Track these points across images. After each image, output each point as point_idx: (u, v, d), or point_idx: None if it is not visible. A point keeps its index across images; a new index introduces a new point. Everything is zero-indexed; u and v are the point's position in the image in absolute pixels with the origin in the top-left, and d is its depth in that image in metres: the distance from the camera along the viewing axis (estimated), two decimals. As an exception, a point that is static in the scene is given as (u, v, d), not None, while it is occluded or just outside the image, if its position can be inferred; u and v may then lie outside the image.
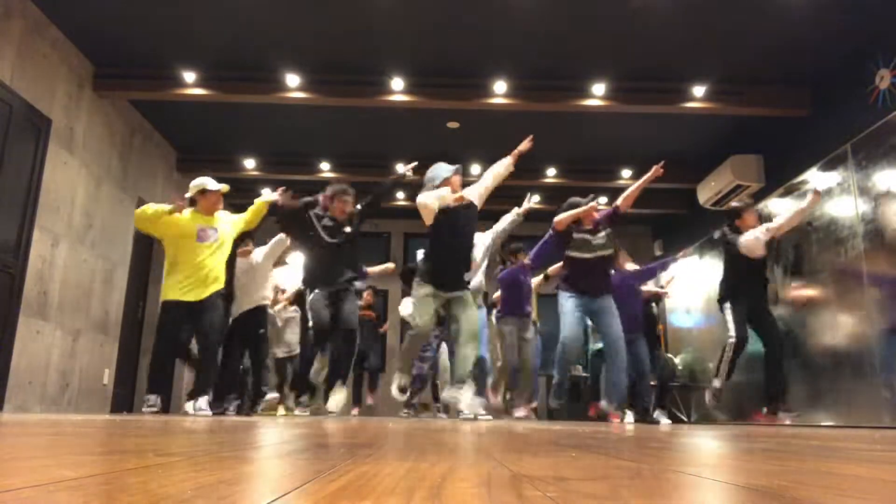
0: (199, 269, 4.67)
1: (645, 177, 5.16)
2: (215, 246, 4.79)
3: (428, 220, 4.44)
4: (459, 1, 4.98)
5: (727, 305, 5.14)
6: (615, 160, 7.89)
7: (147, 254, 7.54)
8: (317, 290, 4.93)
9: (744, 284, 5.09)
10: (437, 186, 4.47)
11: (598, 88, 6.01)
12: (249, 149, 7.80)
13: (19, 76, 4.91)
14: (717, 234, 5.39)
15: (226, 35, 5.47)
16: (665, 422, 6.11)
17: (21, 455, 1.03)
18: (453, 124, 7.04)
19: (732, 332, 5.02)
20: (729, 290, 5.16)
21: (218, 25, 5.33)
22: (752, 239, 4.97)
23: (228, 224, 4.98)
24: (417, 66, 5.92)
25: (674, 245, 9.13)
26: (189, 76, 5.91)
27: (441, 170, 4.58)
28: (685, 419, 7.74)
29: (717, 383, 5.06)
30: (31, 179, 5.09)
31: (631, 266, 6.31)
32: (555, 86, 6.07)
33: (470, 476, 0.80)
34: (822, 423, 5.31)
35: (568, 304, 4.99)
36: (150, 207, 4.66)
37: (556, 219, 5.06)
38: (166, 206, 4.64)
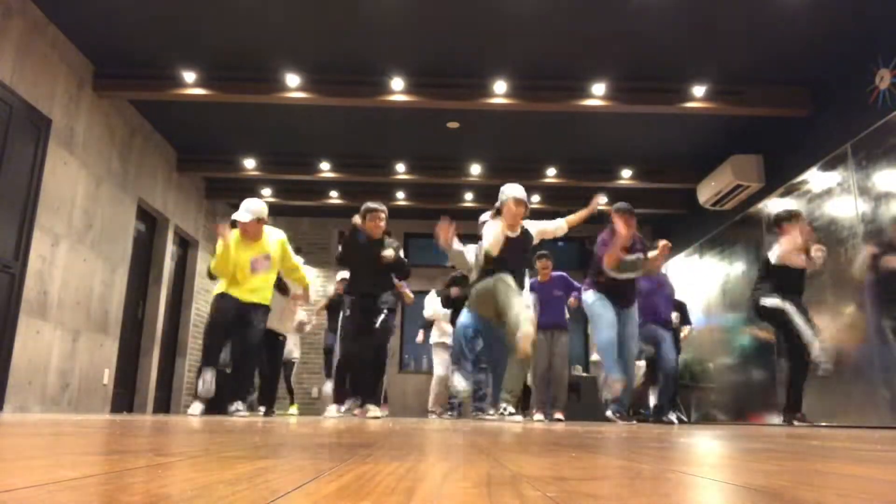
0: (248, 289, 4.91)
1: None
2: (267, 273, 4.99)
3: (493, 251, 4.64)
4: (459, 1, 4.98)
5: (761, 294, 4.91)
6: (615, 160, 7.89)
7: (147, 254, 7.54)
8: (352, 299, 5.29)
9: (786, 286, 4.85)
10: (498, 209, 4.72)
11: (598, 88, 6.01)
12: (249, 149, 7.80)
13: (19, 76, 4.91)
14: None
15: (226, 35, 5.47)
16: (676, 421, 6.13)
17: (21, 455, 1.03)
18: (453, 124, 7.04)
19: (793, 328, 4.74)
20: (763, 286, 4.94)
21: (218, 25, 5.33)
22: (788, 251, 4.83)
23: (276, 245, 5.08)
24: (417, 66, 5.92)
25: (674, 245, 9.13)
26: (189, 76, 5.91)
27: (503, 193, 4.75)
28: (685, 419, 7.74)
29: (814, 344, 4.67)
30: (31, 179, 5.09)
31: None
32: (555, 86, 6.07)
33: (470, 476, 0.80)
34: (823, 423, 5.31)
35: (598, 306, 5.07)
36: (214, 258, 4.95)
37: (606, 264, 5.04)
38: (220, 246, 4.85)
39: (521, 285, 4.75)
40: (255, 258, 4.91)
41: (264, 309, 5.01)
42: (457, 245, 4.78)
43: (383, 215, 5.32)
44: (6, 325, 4.84)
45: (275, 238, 5.10)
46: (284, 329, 6.11)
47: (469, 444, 1.56)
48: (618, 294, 5.10)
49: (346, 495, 0.62)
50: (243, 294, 4.86)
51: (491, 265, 4.64)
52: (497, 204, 4.77)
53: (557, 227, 4.93)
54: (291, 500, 0.59)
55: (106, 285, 6.35)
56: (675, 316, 6.53)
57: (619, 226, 4.98)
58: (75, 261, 5.77)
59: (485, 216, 4.94)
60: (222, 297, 4.86)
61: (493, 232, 4.63)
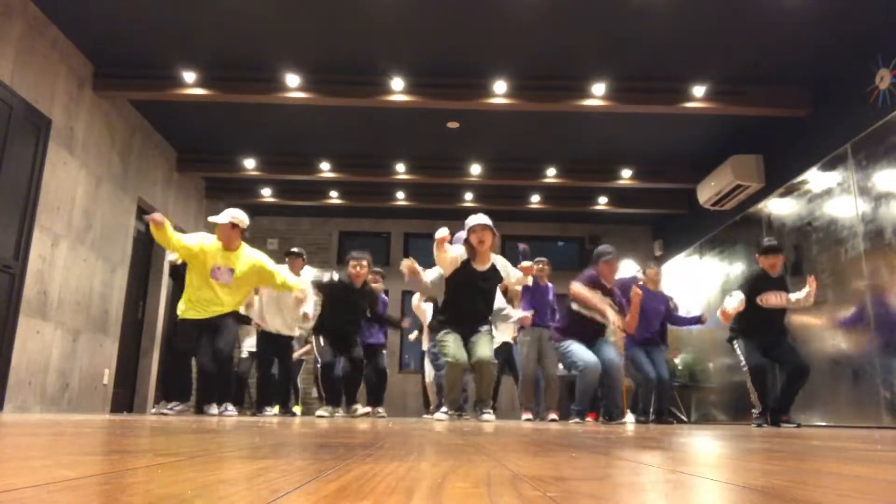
0: (207, 301, 4.84)
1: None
2: (227, 288, 4.86)
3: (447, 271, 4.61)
4: (459, 1, 4.98)
5: (738, 342, 4.99)
6: (615, 160, 7.89)
7: (147, 254, 7.54)
8: (324, 337, 5.55)
9: (758, 325, 4.89)
10: (467, 240, 4.58)
11: (598, 88, 6.00)
12: (249, 149, 7.80)
13: (19, 76, 4.91)
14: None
15: (226, 35, 5.47)
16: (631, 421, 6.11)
17: (21, 455, 1.03)
18: (453, 124, 7.04)
19: (744, 362, 4.91)
20: (741, 328, 4.98)
21: (218, 25, 5.32)
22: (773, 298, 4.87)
23: (248, 267, 4.91)
24: (417, 66, 5.92)
25: (674, 245, 9.14)
26: (189, 76, 5.91)
27: (468, 222, 4.62)
28: (685, 419, 7.75)
29: (754, 412, 4.87)
30: (31, 179, 5.09)
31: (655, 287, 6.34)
32: (555, 86, 6.07)
33: (470, 476, 0.80)
34: (822, 423, 5.31)
35: (571, 344, 5.23)
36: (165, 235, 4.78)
37: (575, 291, 5.15)
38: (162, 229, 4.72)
39: (486, 320, 4.66)
40: (218, 266, 4.80)
41: (230, 315, 4.93)
42: (425, 276, 4.80)
43: (364, 263, 5.54)
44: (6, 325, 4.84)
45: (250, 257, 4.95)
46: (291, 331, 6.15)
47: (469, 444, 1.56)
48: (586, 331, 5.22)
49: (346, 495, 0.62)
50: (202, 314, 4.80)
51: (446, 311, 4.63)
52: (463, 234, 4.61)
53: (517, 277, 4.72)
54: (291, 500, 0.58)
55: (106, 285, 6.35)
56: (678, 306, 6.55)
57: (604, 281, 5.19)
58: (75, 261, 5.77)
59: (461, 234, 4.76)
60: (182, 324, 4.85)
61: (448, 258, 4.45)
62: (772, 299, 4.84)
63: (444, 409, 4.81)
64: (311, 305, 6.33)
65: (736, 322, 5.03)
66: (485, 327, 4.63)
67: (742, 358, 4.98)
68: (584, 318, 5.19)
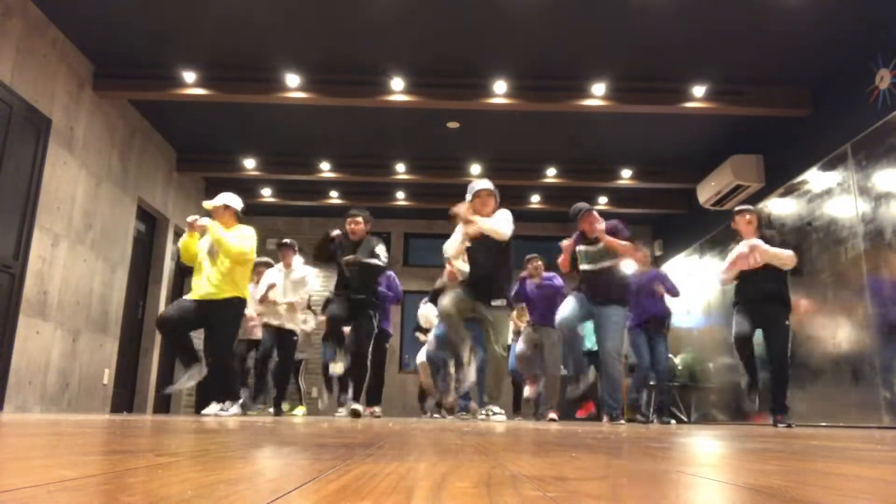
0: (198, 279, 4.87)
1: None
2: (221, 261, 4.86)
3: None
4: (459, 1, 4.98)
5: (734, 312, 4.93)
6: (615, 160, 7.89)
7: (147, 254, 7.54)
8: (336, 299, 5.46)
9: (746, 289, 4.84)
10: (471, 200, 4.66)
11: (598, 88, 6.00)
12: (249, 149, 7.80)
13: (19, 76, 4.91)
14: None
15: (226, 35, 5.47)
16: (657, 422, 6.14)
17: (21, 455, 1.03)
18: (453, 124, 7.04)
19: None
20: (735, 295, 4.95)
21: (218, 25, 5.32)
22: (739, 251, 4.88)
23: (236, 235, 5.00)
24: (417, 66, 5.92)
25: (674, 245, 9.14)
26: (189, 76, 5.91)
27: (470, 188, 4.71)
28: (685, 419, 7.75)
29: (742, 383, 4.83)
30: (31, 179, 5.09)
31: (643, 265, 6.41)
32: (555, 86, 6.06)
33: (470, 476, 0.80)
34: (822, 424, 5.31)
35: (571, 299, 5.11)
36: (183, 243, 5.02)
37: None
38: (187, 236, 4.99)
39: (500, 291, 4.66)
40: (211, 242, 4.89)
41: (230, 302, 4.82)
42: (455, 249, 4.79)
43: (360, 218, 5.46)
44: (6, 325, 4.84)
45: (238, 231, 5.01)
46: (296, 326, 6.15)
47: (469, 444, 1.56)
48: (591, 289, 5.00)
49: (346, 495, 0.62)
50: (201, 292, 4.75)
51: (468, 275, 4.71)
52: (468, 197, 4.66)
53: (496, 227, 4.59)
54: (291, 500, 0.59)
55: (106, 285, 6.35)
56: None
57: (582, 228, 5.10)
58: (75, 261, 5.76)
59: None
60: (177, 300, 4.95)
61: (452, 238, 4.67)
62: (751, 256, 4.80)
63: (442, 410, 4.84)
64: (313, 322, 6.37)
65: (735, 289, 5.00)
66: (498, 301, 4.60)
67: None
68: (587, 274, 5.08)
